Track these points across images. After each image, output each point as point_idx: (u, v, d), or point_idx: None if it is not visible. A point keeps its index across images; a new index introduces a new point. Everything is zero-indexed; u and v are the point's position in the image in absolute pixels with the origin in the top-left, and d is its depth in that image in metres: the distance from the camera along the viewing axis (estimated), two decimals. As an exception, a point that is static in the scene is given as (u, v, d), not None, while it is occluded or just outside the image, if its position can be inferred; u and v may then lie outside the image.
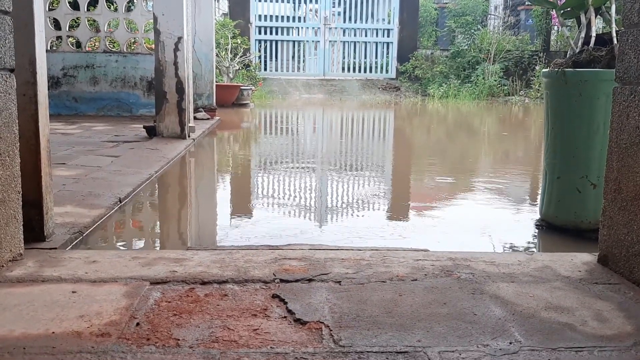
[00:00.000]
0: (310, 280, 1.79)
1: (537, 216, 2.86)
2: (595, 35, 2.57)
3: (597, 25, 2.66)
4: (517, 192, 3.94)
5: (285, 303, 1.61)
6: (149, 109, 7.43)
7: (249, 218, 3.04)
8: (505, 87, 15.88)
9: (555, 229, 2.62)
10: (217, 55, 10.39)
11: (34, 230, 2.12)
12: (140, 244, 2.52)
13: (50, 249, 2.08)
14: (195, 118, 7.24)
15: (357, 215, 3.19)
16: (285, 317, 1.53)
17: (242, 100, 11.02)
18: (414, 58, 16.65)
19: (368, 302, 1.62)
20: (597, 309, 1.61)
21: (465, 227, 2.91)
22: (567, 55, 2.63)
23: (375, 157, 5.83)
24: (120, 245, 2.48)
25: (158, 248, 2.52)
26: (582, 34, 2.65)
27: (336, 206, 3.41)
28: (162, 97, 5.28)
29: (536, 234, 2.71)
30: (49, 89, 7.20)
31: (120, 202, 2.94)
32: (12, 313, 1.51)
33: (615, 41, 2.50)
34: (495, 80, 15.58)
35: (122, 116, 7.58)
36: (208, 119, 7.54)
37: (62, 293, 1.65)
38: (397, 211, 3.38)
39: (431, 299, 1.66)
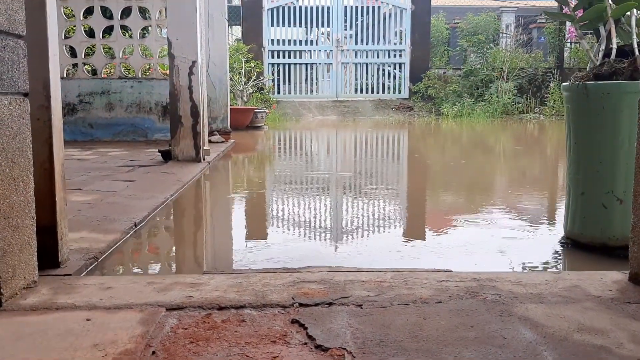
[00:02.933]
0: (330, 304, 1.73)
1: (560, 234, 2.79)
2: (616, 47, 2.51)
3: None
4: (538, 210, 3.85)
5: (306, 328, 1.55)
6: (164, 134, 7.45)
7: (265, 241, 2.99)
8: (520, 105, 15.79)
9: (581, 247, 2.54)
10: (231, 79, 10.45)
11: (48, 256, 2.08)
12: (155, 268, 2.48)
13: (65, 275, 2.04)
14: (210, 141, 7.25)
15: (375, 237, 3.13)
16: (305, 343, 1.47)
17: (256, 122, 11.04)
18: (426, 78, 16.64)
19: (391, 326, 1.56)
20: (633, 330, 1.53)
21: (487, 246, 2.83)
22: (588, 68, 2.58)
23: (390, 178, 5.77)
24: (135, 270, 2.44)
25: (174, 271, 2.48)
26: (602, 47, 2.60)
27: (353, 228, 3.35)
28: (177, 121, 5.28)
29: (562, 253, 2.63)
30: (64, 116, 7.23)
31: (136, 226, 2.91)
32: (26, 342, 1.47)
33: (637, 52, 2.44)
34: (509, 98, 15.51)
35: (138, 141, 7.61)
36: (223, 142, 7.54)
37: (76, 321, 1.60)
38: (415, 231, 3.31)
39: (457, 322, 1.59)
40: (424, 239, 3.13)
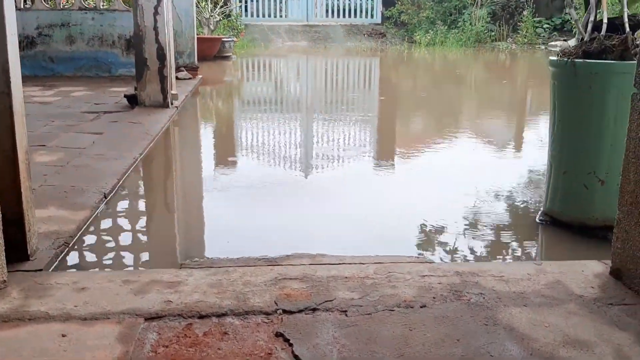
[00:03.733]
0: (314, 309, 1.70)
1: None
2: (606, 20, 2.42)
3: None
4: (504, 140, 3.87)
5: (291, 345, 1.52)
6: (129, 69, 7.14)
7: (240, 200, 2.93)
8: (493, 33, 15.59)
9: (560, 225, 2.54)
10: (196, 5, 9.98)
11: (17, 249, 1.98)
12: (129, 255, 2.38)
13: (36, 270, 1.95)
14: (177, 78, 7.00)
15: (346, 173, 3.24)
16: (292, 365, 1.44)
17: (224, 52, 10.69)
18: (399, 2, 16.21)
19: (378, 341, 1.54)
20: (617, 344, 1.54)
21: (455, 183, 2.90)
22: (576, 43, 2.49)
23: (362, 111, 5.70)
24: (109, 256, 2.35)
25: (148, 258, 2.40)
26: (591, 17, 2.50)
27: (326, 163, 3.39)
28: (142, 65, 5.04)
29: (540, 231, 2.63)
30: (23, 49, 6.83)
31: (106, 197, 2.80)
32: (-1, 367, 1.41)
33: (627, 28, 2.36)
34: (483, 26, 15.27)
35: (101, 77, 7.29)
36: (190, 78, 7.29)
37: (51, 337, 1.54)
38: (385, 160, 3.37)
39: (443, 333, 1.58)
40: (393, 169, 3.17)
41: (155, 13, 4.96)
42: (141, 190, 3.21)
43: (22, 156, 1.99)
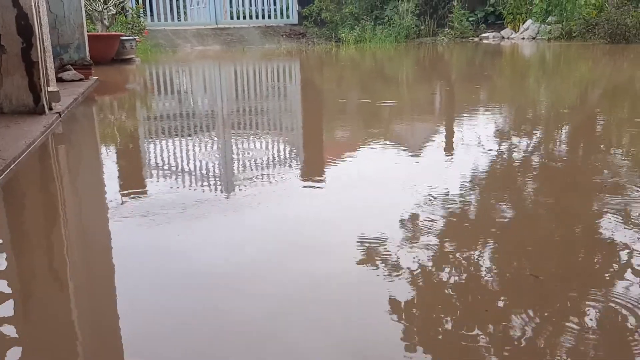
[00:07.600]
0: None
1: None
2: None
3: None
4: None
5: None
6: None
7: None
8: (422, 28, 14.38)
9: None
10: (85, -4, 7.88)
11: None
12: None
13: None
14: (61, 79, 4.98)
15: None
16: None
17: (125, 54, 8.62)
18: (318, -1, 14.70)
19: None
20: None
21: None
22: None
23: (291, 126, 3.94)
24: None
25: None
26: None
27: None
28: (-7, 44, 3.04)
29: None
30: None
31: None
32: None
33: None
34: (412, 20, 14.02)
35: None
36: (81, 79, 5.25)
37: None
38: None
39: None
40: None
41: (10, -42, 2.99)
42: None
43: None
